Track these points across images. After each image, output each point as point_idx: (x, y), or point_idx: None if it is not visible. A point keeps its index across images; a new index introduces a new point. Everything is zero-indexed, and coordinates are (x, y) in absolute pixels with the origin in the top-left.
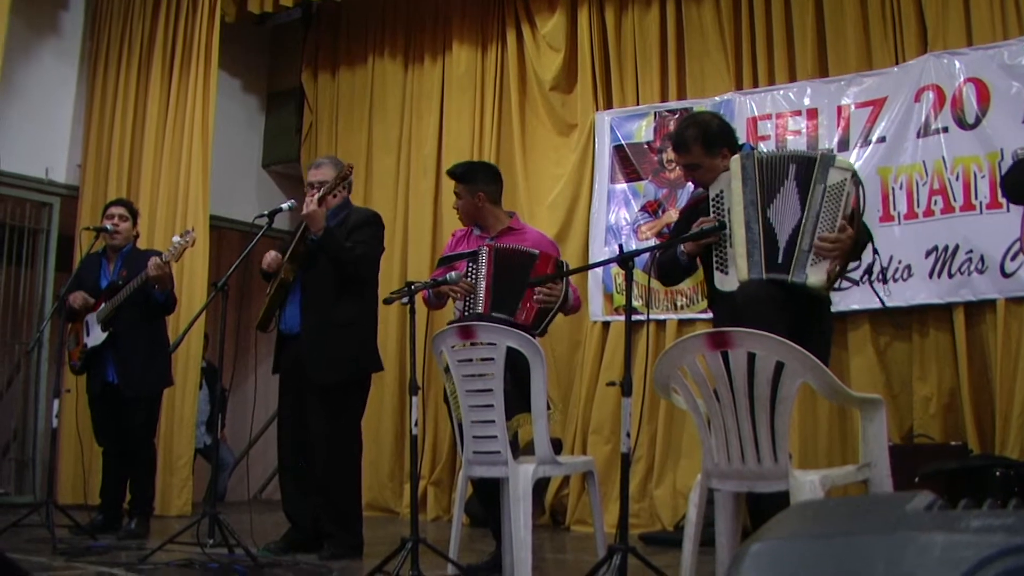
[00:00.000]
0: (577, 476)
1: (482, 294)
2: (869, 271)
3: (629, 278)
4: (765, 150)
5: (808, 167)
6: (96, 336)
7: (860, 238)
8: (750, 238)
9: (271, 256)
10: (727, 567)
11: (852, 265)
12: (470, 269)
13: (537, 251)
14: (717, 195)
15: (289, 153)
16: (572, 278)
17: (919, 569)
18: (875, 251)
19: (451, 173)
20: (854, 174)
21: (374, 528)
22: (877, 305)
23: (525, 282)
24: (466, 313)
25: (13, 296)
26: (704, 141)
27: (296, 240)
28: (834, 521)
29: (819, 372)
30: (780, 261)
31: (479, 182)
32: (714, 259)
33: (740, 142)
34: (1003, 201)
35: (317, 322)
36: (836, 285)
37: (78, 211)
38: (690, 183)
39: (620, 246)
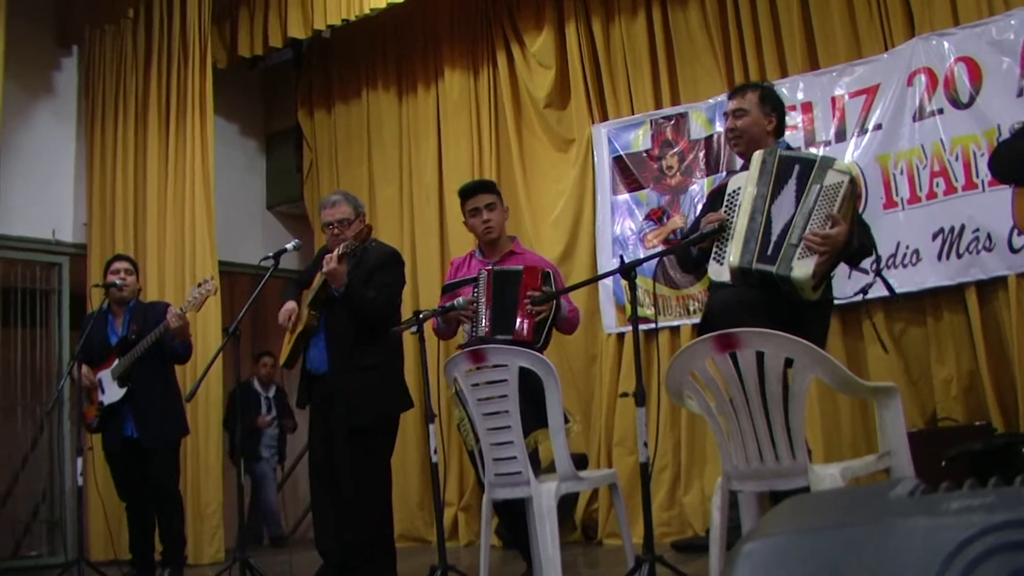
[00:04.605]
0: (605, 489)
1: (484, 317)
2: (877, 264)
3: (633, 288)
4: (786, 149)
5: (808, 167)
6: (112, 393)
7: (859, 240)
8: (751, 227)
9: (287, 310)
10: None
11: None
12: (475, 293)
13: (521, 266)
14: (734, 191)
15: (292, 193)
16: (580, 292)
17: (904, 555)
18: (877, 256)
19: (483, 185)
20: (852, 179)
21: (406, 558)
22: (888, 294)
23: (516, 299)
24: (473, 336)
25: (31, 358)
26: (762, 94)
27: (318, 290)
28: (823, 514)
29: (829, 365)
30: (769, 253)
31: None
32: (714, 250)
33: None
34: None
35: (343, 366)
36: (837, 292)
37: (87, 269)
38: (693, 188)
39: (621, 257)
